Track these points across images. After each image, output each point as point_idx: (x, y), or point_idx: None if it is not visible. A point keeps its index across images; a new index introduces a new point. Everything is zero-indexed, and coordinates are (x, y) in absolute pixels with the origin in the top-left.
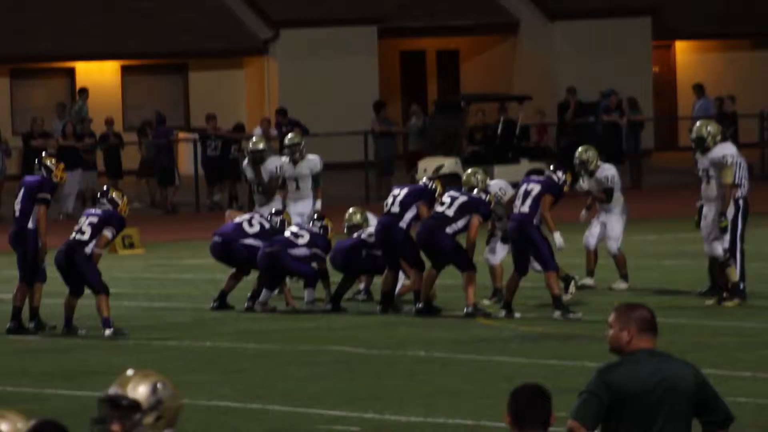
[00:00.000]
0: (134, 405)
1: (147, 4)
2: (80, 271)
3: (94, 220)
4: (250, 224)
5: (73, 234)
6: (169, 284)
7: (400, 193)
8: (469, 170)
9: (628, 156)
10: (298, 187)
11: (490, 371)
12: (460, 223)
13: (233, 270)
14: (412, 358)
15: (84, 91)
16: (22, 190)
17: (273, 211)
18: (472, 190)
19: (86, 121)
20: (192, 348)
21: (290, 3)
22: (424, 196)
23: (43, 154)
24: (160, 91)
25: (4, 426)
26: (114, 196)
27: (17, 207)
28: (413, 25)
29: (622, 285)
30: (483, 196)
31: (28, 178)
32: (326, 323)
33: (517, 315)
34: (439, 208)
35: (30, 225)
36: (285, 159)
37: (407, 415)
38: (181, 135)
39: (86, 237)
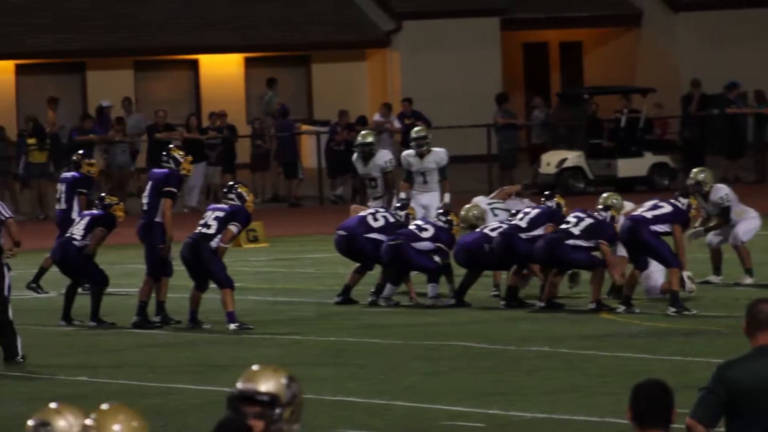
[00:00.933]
0: (274, 400)
1: None
2: (205, 265)
3: (221, 214)
4: (375, 218)
5: (199, 228)
6: (293, 278)
7: (532, 212)
8: (606, 194)
9: (753, 150)
10: (425, 181)
11: (615, 367)
12: (585, 245)
13: (357, 264)
14: (537, 353)
15: (273, 81)
16: (149, 184)
17: (398, 205)
18: (608, 210)
19: (274, 111)
20: (316, 343)
21: None
22: (554, 219)
23: (171, 145)
24: (282, 84)
25: (62, 423)
26: (241, 191)
27: (145, 200)
28: (536, 17)
29: (747, 280)
30: (604, 215)
31: (156, 171)
32: (450, 318)
33: (637, 310)
34: (563, 225)
35: (157, 218)
36: (411, 152)
37: (531, 411)
38: (304, 128)
39: (212, 231)
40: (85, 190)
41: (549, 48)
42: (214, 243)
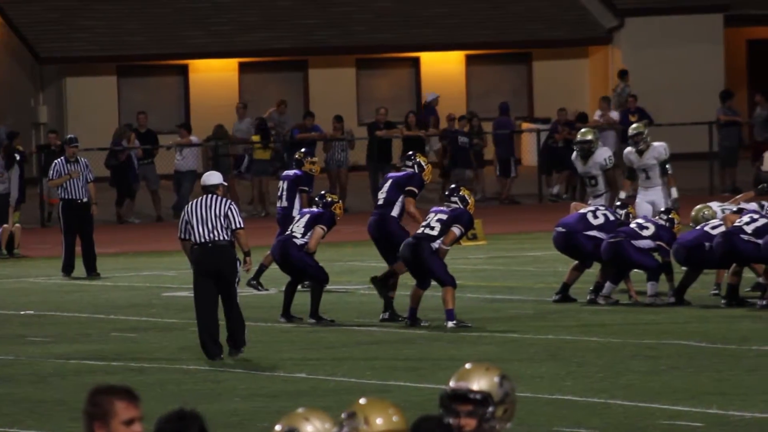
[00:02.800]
0: (487, 398)
1: None
2: (426, 265)
3: (444, 217)
4: (595, 216)
5: (421, 228)
6: (512, 276)
7: (758, 219)
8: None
9: None
10: (647, 177)
11: None
12: None
13: (575, 262)
14: (757, 352)
15: (624, 73)
16: (389, 182)
17: (618, 204)
18: None
19: (626, 103)
20: (534, 341)
21: None
22: None
23: (409, 152)
24: (503, 81)
25: (310, 428)
26: (464, 194)
27: (381, 195)
28: (761, 14)
29: None
30: None
31: (394, 175)
32: (668, 317)
33: None
34: None
35: (393, 213)
36: (631, 149)
37: (751, 411)
38: (524, 126)
39: (435, 233)
40: (307, 188)
41: None
42: (435, 244)
